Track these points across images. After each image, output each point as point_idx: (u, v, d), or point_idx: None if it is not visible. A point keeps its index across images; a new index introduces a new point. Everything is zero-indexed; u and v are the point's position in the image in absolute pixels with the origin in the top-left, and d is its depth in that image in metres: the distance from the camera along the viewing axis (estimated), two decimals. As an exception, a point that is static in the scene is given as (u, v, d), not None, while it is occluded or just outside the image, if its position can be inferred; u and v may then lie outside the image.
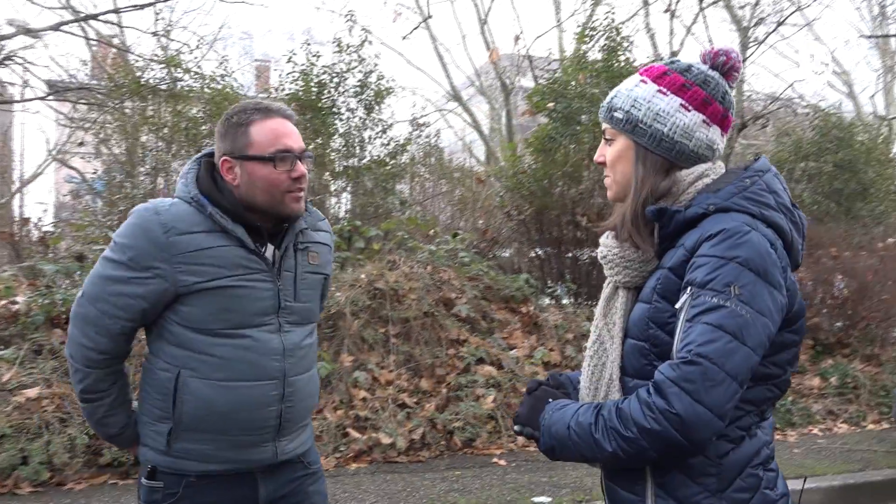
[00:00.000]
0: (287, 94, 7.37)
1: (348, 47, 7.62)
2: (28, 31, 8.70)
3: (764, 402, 1.35)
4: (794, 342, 1.36)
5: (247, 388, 1.72)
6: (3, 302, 4.74)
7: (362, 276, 5.60)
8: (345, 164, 7.69)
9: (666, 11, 12.47)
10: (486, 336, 5.76)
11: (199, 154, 1.85)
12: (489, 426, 5.14)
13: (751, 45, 12.07)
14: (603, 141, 1.49)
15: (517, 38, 12.18)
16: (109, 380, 1.77)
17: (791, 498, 1.40)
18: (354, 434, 4.79)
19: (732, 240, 1.25)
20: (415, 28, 15.64)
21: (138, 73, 7.48)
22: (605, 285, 1.49)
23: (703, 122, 1.39)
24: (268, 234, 1.78)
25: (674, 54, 12.59)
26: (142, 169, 7.35)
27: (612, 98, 1.46)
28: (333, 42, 7.70)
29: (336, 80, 7.52)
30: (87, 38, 11.04)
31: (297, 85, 7.41)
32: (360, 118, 7.69)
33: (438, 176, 9.78)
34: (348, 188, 7.83)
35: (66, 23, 9.07)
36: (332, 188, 7.84)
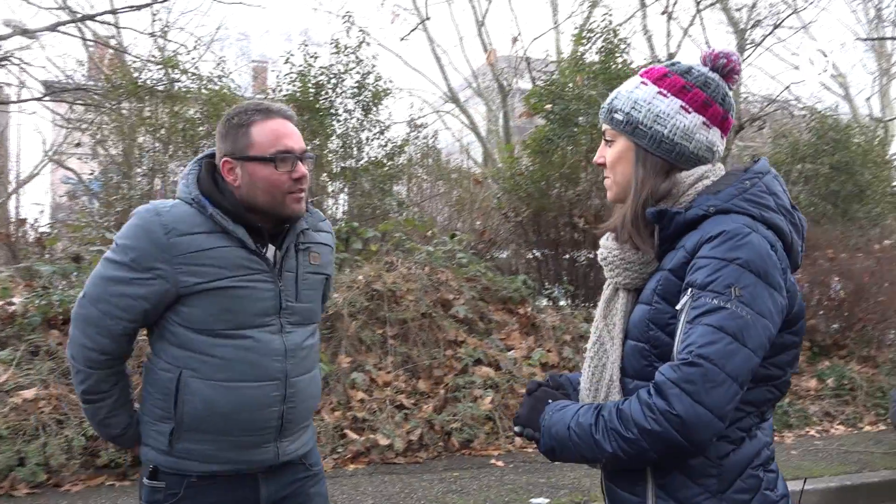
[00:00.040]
0: (284, 95, 7.37)
1: (346, 48, 7.62)
2: (25, 32, 8.67)
3: (764, 404, 1.35)
4: (794, 343, 1.36)
5: (248, 388, 1.72)
6: (0, 303, 4.73)
7: (360, 277, 5.60)
8: (342, 165, 7.69)
9: (663, 13, 12.52)
10: (484, 337, 5.76)
11: (201, 155, 1.85)
12: (487, 427, 5.14)
13: (748, 47, 12.09)
14: (603, 142, 1.49)
15: (514, 40, 12.20)
16: (111, 380, 1.77)
17: (791, 499, 1.40)
18: (352, 435, 4.79)
19: (733, 241, 1.26)
20: (413, 29, 15.67)
21: (135, 74, 7.47)
22: (605, 287, 1.49)
23: (704, 124, 1.39)
24: (269, 234, 1.78)
25: (671, 56, 12.62)
26: (139, 170, 7.34)
27: (612, 99, 1.46)
28: (331, 43, 7.70)
29: (333, 81, 7.52)
30: (83, 39, 11.01)
31: (294, 86, 7.41)
32: (358, 119, 7.69)
33: (436, 177, 9.79)
34: (346, 189, 7.83)
35: (63, 23, 9.04)
36: (330, 189, 7.84)
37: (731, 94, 1.44)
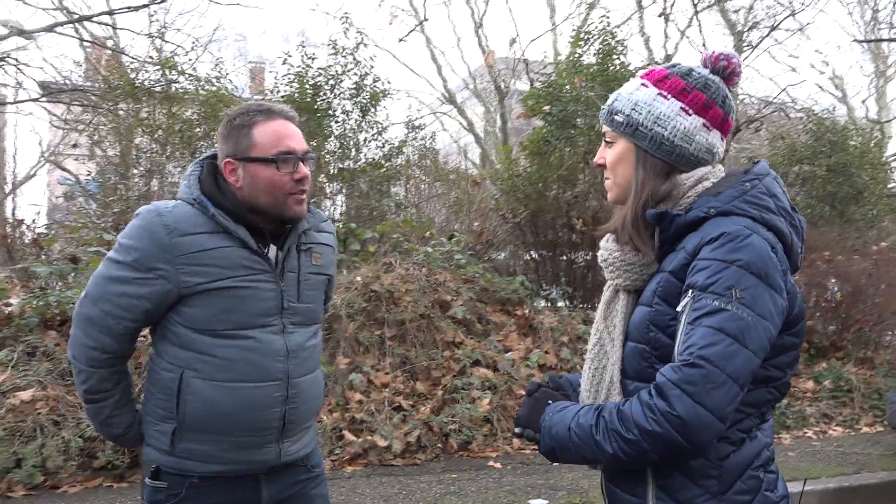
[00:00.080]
0: (282, 97, 7.37)
1: (344, 49, 7.62)
2: (21, 33, 8.67)
3: (764, 405, 1.36)
4: (794, 345, 1.37)
5: (250, 389, 1.72)
6: (-3, 304, 4.72)
7: (358, 278, 5.60)
8: (340, 166, 7.68)
9: (661, 15, 12.57)
10: (482, 338, 5.75)
11: (202, 156, 1.85)
12: (485, 429, 5.14)
13: (745, 49, 12.12)
14: (603, 143, 1.49)
15: (512, 42, 12.27)
16: (113, 379, 1.77)
17: (791, 500, 1.40)
18: (350, 437, 4.78)
19: (733, 243, 1.26)
20: (411, 31, 15.65)
21: (132, 75, 7.45)
22: (605, 288, 1.50)
23: (704, 125, 1.39)
24: (270, 235, 1.78)
25: (668, 58, 12.65)
26: (136, 171, 7.32)
27: (612, 101, 1.46)
28: (329, 44, 7.70)
29: (331, 82, 7.51)
30: (80, 40, 11.01)
31: (292, 87, 7.40)
32: (356, 120, 7.69)
33: (434, 178, 9.79)
34: (343, 190, 7.82)
35: (60, 24, 9.03)
36: (328, 190, 7.83)
37: (731, 96, 1.44)
